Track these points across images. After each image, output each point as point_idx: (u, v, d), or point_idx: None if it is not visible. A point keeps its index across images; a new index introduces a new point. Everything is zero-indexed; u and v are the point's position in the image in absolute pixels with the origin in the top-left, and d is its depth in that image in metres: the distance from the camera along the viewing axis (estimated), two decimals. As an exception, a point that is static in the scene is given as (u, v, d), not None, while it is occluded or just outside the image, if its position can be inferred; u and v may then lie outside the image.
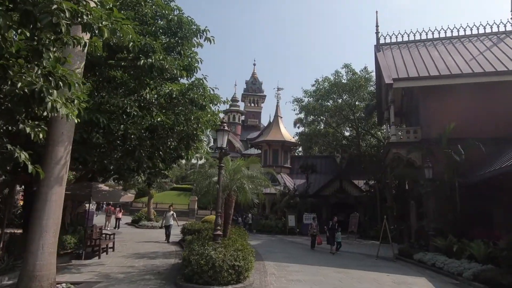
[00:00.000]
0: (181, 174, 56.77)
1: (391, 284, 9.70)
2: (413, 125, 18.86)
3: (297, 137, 31.55)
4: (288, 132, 36.10)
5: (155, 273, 9.71)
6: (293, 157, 36.51)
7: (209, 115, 11.04)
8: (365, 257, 14.91)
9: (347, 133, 30.80)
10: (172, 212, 17.30)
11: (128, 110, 8.92)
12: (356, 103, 27.78)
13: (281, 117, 36.83)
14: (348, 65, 26.39)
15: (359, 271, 11.32)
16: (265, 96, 61.22)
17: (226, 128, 8.78)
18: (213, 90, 11.37)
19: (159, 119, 10.24)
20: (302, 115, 28.26)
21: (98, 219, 26.28)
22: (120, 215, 25.55)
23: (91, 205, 15.60)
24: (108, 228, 24.48)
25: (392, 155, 18.67)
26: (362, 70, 26.63)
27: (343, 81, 26.43)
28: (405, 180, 25.31)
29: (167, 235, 17.13)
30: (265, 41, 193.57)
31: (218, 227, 8.80)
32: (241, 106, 60.91)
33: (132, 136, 9.76)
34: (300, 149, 42.11)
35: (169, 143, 11.07)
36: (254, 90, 60.76)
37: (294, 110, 28.50)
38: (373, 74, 26.30)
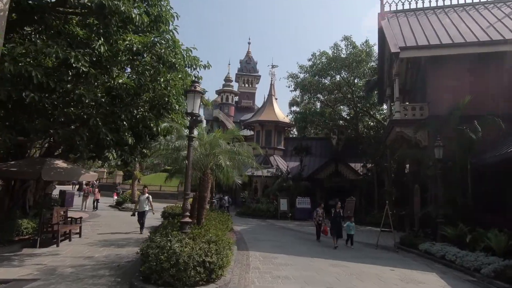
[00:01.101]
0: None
1: (397, 281, 8.12)
2: (418, 103, 17.06)
3: (291, 117, 29.57)
4: (282, 112, 34.23)
5: (113, 267, 8.01)
6: (287, 139, 34.74)
7: (183, 79, 9.11)
8: (364, 246, 13.39)
9: (344, 114, 28.89)
10: (147, 195, 13.69)
11: (74, 65, 6.98)
12: (356, 81, 25.82)
13: (276, 98, 34.84)
14: (348, 38, 24.24)
15: (358, 265, 9.73)
16: (259, 76, 58.88)
17: (198, 89, 6.90)
18: (190, 51, 9.43)
19: (120, 81, 8.32)
20: (297, 93, 26.18)
21: (80, 201, 24.67)
22: (98, 196, 23.85)
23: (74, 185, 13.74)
24: (85, 210, 22.91)
25: (395, 135, 16.93)
26: (363, 44, 24.53)
27: (342, 55, 24.33)
28: (406, 163, 23.79)
29: (141, 224, 13.64)
30: (261, 18, 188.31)
31: (187, 213, 7.05)
32: (235, 86, 58.62)
33: (86, 101, 7.86)
34: (295, 131, 40.33)
35: (135, 112, 9.17)
36: (248, 70, 58.32)
37: (289, 86, 26.10)
38: (375, 48, 24.29)
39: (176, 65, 8.29)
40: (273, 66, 34.64)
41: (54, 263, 8.22)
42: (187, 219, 6.98)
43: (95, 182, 44.09)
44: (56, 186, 30.71)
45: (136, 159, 14.02)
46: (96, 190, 24.61)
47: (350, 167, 28.26)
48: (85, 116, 8.07)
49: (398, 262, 10.50)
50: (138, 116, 9.23)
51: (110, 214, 21.44)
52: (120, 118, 8.81)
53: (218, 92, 56.64)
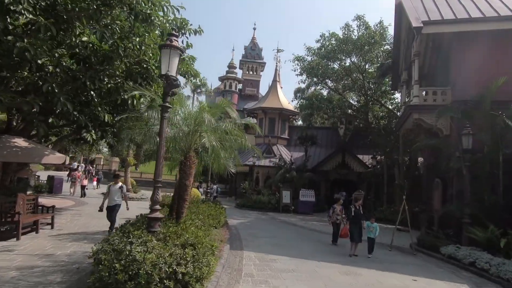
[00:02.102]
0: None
1: (424, 297, 6.49)
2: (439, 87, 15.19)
3: (297, 103, 27.61)
4: (287, 100, 32.39)
5: (71, 270, 6.44)
6: (292, 128, 32.95)
7: (162, 39, 7.38)
8: (376, 247, 11.71)
9: (353, 102, 26.88)
10: (120, 184, 10.19)
11: (12, 8, 5.28)
12: (367, 66, 23.84)
13: (281, 87, 32.83)
14: (361, 17, 22.14)
15: (374, 272, 8.10)
16: (264, 63, 56.71)
17: (175, 44, 5.20)
18: (177, 10, 7.66)
19: (84, 38, 6.61)
20: (303, 77, 24.20)
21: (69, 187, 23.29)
22: (85, 182, 22.37)
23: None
24: (74, 196, 21.53)
25: (412, 123, 15.15)
26: (376, 25, 22.46)
27: (353, 37, 22.30)
28: (419, 155, 22.03)
29: (112, 223, 9.90)
30: (268, 1, 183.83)
31: (157, 207, 5.42)
32: (239, 74, 56.63)
33: (39, 61, 6.18)
34: (300, 121, 38.49)
35: (106, 80, 7.48)
36: (253, 57, 56.18)
37: (295, 70, 24.16)
38: (390, 29, 22.26)
39: (153, 18, 6.56)
40: (278, 51, 32.59)
41: (0, 262, 6.67)
42: (157, 215, 5.35)
43: (91, 167, 42.83)
44: (52, 171, 29.18)
45: (129, 145, 12.36)
46: (84, 176, 23.15)
47: (357, 159, 26.52)
48: (37, 82, 6.41)
49: (420, 269, 8.85)
50: (110, 86, 7.54)
51: (99, 202, 19.91)
52: (86, 86, 7.12)
53: (221, 79, 54.74)
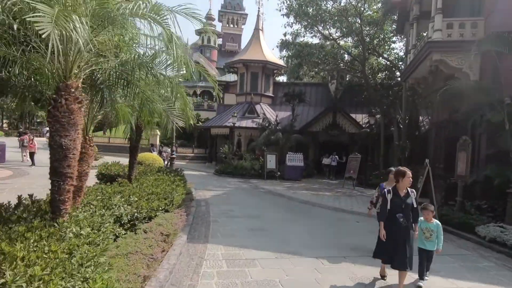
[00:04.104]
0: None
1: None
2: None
3: (283, 51, 23.77)
4: (272, 52, 28.56)
5: None
6: (277, 84, 29.51)
7: None
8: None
9: (349, 51, 23.15)
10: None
11: None
12: (366, 6, 20.12)
13: (263, 34, 28.76)
14: None
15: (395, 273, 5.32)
16: (246, 15, 51.54)
17: None
18: None
19: None
20: (290, 20, 20.23)
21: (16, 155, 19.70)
22: (34, 148, 18.80)
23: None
24: (26, 161, 18.58)
25: (428, 68, 12.09)
26: None
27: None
28: (420, 113, 19.30)
29: None
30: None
31: None
32: (218, 27, 51.52)
33: None
34: (285, 77, 34.86)
35: None
36: (233, 7, 50.83)
37: (280, 10, 20.15)
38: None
39: None
40: (261, -7, 28.07)
41: None
42: None
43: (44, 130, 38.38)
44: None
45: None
46: (30, 139, 19.44)
47: (350, 118, 23.60)
48: None
49: (458, 260, 6.16)
50: None
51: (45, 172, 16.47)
52: None
53: (198, 32, 49.59)
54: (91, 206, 5.19)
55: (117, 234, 5.10)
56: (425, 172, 8.61)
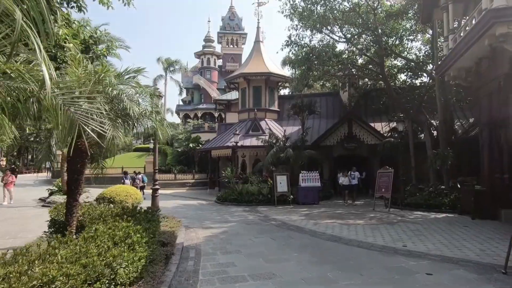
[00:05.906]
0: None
1: None
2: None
3: (288, 51, 20.85)
4: (274, 63, 26.06)
5: None
6: (282, 98, 26.85)
7: None
8: (488, 267, 5.74)
9: (365, 53, 20.23)
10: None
11: None
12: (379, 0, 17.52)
13: (266, 51, 26.19)
14: None
15: None
16: (246, 34, 49.89)
17: None
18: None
19: None
20: (295, 23, 17.40)
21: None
22: (10, 186, 16.24)
23: None
24: (7, 203, 16.11)
25: (485, 47, 9.19)
26: None
27: None
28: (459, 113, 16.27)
29: None
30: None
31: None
32: (218, 48, 49.85)
33: None
34: (291, 90, 32.11)
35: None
36: (232, 28, 49.33)
37: (282, 12, 17.49)
38: None
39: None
40: (259, 4, 25.86)
41: None
42: None
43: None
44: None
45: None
46: (10, 176, 16.84)
47: (369, 128, 20.51)
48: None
49: None
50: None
51: (18, 214, 13.49)
52: None
53: (198, 55, 47.91)
54: None
55: None
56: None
